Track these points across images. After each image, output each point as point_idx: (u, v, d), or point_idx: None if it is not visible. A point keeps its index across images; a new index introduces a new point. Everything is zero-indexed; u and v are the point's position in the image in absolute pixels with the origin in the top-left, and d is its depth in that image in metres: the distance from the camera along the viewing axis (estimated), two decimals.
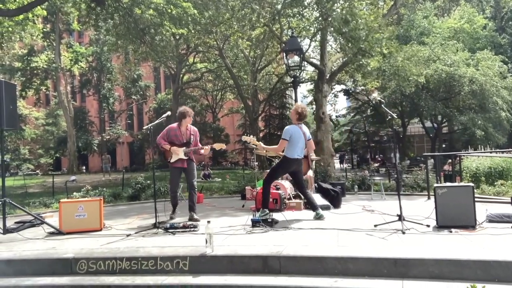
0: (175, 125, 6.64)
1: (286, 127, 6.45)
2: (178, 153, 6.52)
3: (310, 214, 7.10)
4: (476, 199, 5.16)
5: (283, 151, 6.52)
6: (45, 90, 37.31)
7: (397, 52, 16.04)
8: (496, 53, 27.91)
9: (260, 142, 6.75)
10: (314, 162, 9.77)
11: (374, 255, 3.95)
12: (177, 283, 4.01)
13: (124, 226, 6.46)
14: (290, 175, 6.98)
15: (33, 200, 11.49)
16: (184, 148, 6.59)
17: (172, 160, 6.52)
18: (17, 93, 31.47)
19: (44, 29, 29.90)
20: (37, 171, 41.24)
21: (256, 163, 9.75)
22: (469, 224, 4.97)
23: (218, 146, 6.86)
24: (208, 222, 4.40)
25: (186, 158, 6.63)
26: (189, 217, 6.60)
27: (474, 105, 26.05)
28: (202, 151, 6.72)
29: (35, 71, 33.12)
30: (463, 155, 12.17)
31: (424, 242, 4.43)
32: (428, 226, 5.16)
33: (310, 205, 6.59)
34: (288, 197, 7.91)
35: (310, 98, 38.20)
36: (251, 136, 6.75)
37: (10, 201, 6.26)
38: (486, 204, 6.63)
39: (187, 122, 6.68)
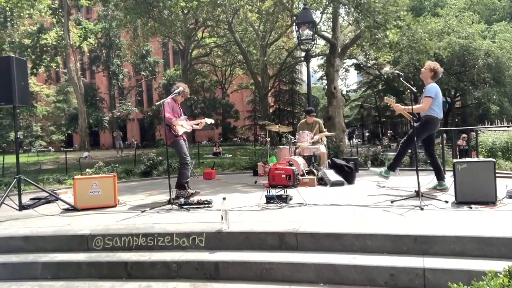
0: (171, 100, 6.43)
1: (428, 85, 5.94)
2: (183, 126, 6.47)
3: (324, 190, 7.07)
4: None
5: (414, 114, 6.10)
6: (55, 67, 37.28)
7: (414, 24, 15.62)
8: None
9: (398, 104, 6.33)
10: (325, 138, 9.65)
11: (393, 232, 3.87)
12: (194, 259, 3.99)
13: (138, 202, 6.48)
14: (426, 138, 6.25)
15: (46, 176, 11.58)
16: (185, 121, 6.59)
17: (180, 133, 6.37)
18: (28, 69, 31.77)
19: (52, 5, 29.64)
20: (50, 147, 41.69)
21: (268, 139, 9.65)
22: (489, 200, 4.85)
23: (209, 120, 7.00)
24: (224, 198, 4.36)
25: (189, 130, 6.72)
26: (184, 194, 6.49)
27: (489, 79, 25.50)
28: (197, 126, 6.86)
29: (44, 48, 33.03)
30: (479, 130, 11.93)
31: (444, 218, 4.34)
32: (446, 202, 5.06)
33: (436, 172, 6.13)
34: (302, 173, 7.85)
35: (321, 73, 37.75)
36: (391, 98, 6.34)
37: (25, 177, 6.27)
38: (504, 180, 6.50)
39: (180, 100, 6.68)
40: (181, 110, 6.72)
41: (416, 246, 3.69)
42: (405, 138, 6.39)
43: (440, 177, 6.15)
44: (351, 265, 3.61)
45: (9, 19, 29.81)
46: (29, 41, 32.29)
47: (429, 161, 6.52)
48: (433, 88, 5.89)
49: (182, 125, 6.39)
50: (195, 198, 6.05)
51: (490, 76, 25.10)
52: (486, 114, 28.45)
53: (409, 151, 8.31)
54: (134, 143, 40.42)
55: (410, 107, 5.83)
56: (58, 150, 36.30)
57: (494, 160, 5.08)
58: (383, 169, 6.18)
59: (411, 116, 6.19)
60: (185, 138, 6.63)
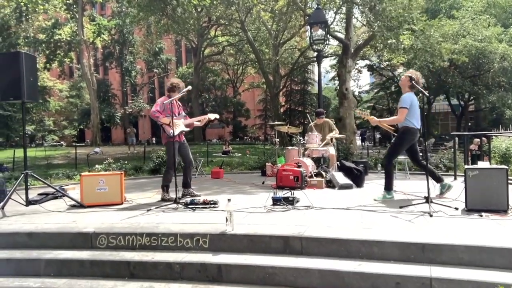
0: (165, 98, 6.26)
1: (404, 95, 5.78)
2: (179, 126, 6.32)
3: (332, 192, 6.99)
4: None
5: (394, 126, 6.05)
6: (68, 63, 37.60)
7: (430, 28, 15.43)
8: None
9: (373, 117, 6.27)
10: (335, 139, 9.55)
11: (401, 239, 3.78)
12: (197, 260, 3.95)
13: (145, 200, 6.46)
14: (409, 148, 6.06)
15: (56, 171, 11.65)
16: (183, 120, 6.44)
17: (175, 133, 6.15)
18: (41, 65, 31.90)
19: (67, 1, 29.87)
20: (62, 142, 42.10)
21: (277, 139, 9.57)
22: (501, 209, 4.74)
23: (212, 116, 6.77)
24: (229, 200, 4.31)
25: (188, 130, 6.54)
26: (188, 193, 6.57)
27: (504, 82, 25.10)
28: (199, 123, 6.71)
29: (58, 44, 33.32)
30: (493, 135, 11.71)
31: (453, 226, 4.24)
32: (456, 209, 4.95)
33: (432, 176, 5.89)
34: (310, 175, 7.77)
35: (333, 73, 37.52)
36: (365, 111, 6.33)
37: (32, 173, 6.29)
38: None
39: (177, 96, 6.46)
40: (180, 108, 6.59)
41: (423, 254, 3.60)
42: (385, 155, 6.26)
43: (438, 180, 6.00)
44: (356, 272, 3.53)
45: (24, 14, 30.10)
46: (43, 36, 32.59)
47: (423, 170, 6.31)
48: (407, 98, 5.72)
49: (170, 124, 6.05)
50: (201, 198, 6.02)
51: (506, 80, 24.68)
52: (500, 119, 28.05)
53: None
54: (152, 140, 40.58)
55: (385, 119, 5.99)
56: (70, 145, 36.64)
57: (507, 167, 4.95)
58: (383, 193, 6.02)
59: (390, 127, 6.12)
60: (183, 140, 6.51)
